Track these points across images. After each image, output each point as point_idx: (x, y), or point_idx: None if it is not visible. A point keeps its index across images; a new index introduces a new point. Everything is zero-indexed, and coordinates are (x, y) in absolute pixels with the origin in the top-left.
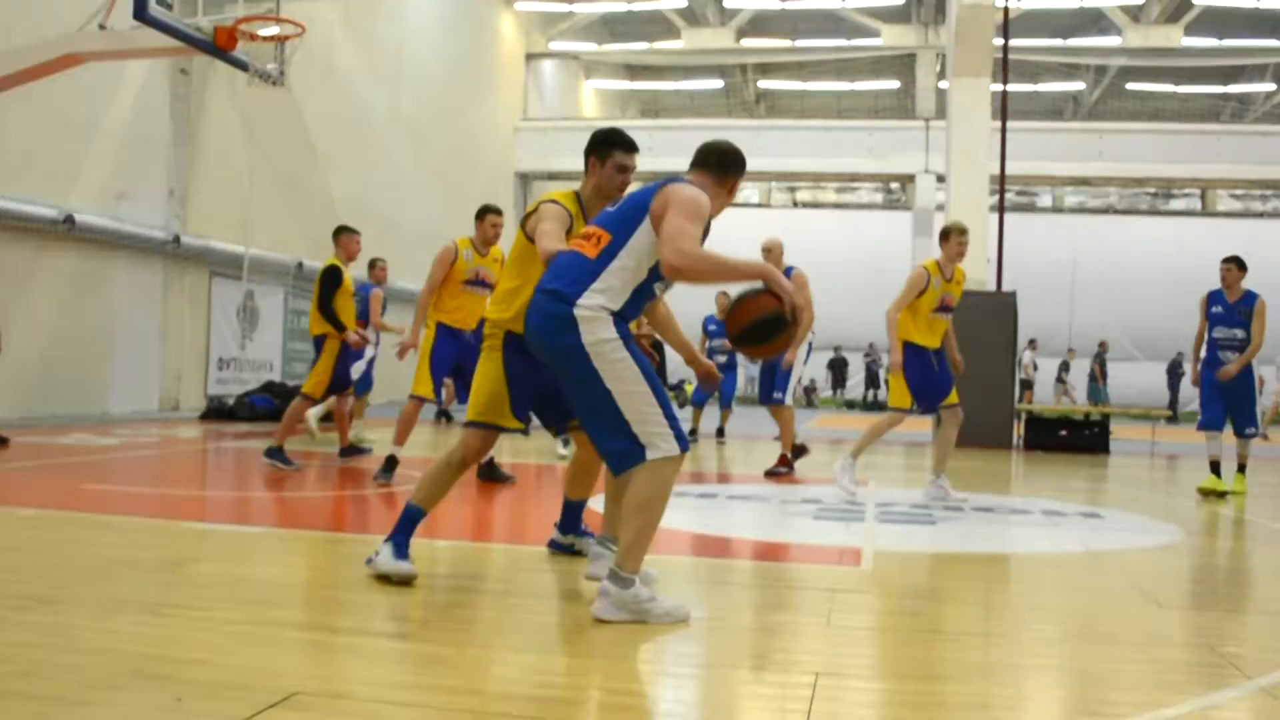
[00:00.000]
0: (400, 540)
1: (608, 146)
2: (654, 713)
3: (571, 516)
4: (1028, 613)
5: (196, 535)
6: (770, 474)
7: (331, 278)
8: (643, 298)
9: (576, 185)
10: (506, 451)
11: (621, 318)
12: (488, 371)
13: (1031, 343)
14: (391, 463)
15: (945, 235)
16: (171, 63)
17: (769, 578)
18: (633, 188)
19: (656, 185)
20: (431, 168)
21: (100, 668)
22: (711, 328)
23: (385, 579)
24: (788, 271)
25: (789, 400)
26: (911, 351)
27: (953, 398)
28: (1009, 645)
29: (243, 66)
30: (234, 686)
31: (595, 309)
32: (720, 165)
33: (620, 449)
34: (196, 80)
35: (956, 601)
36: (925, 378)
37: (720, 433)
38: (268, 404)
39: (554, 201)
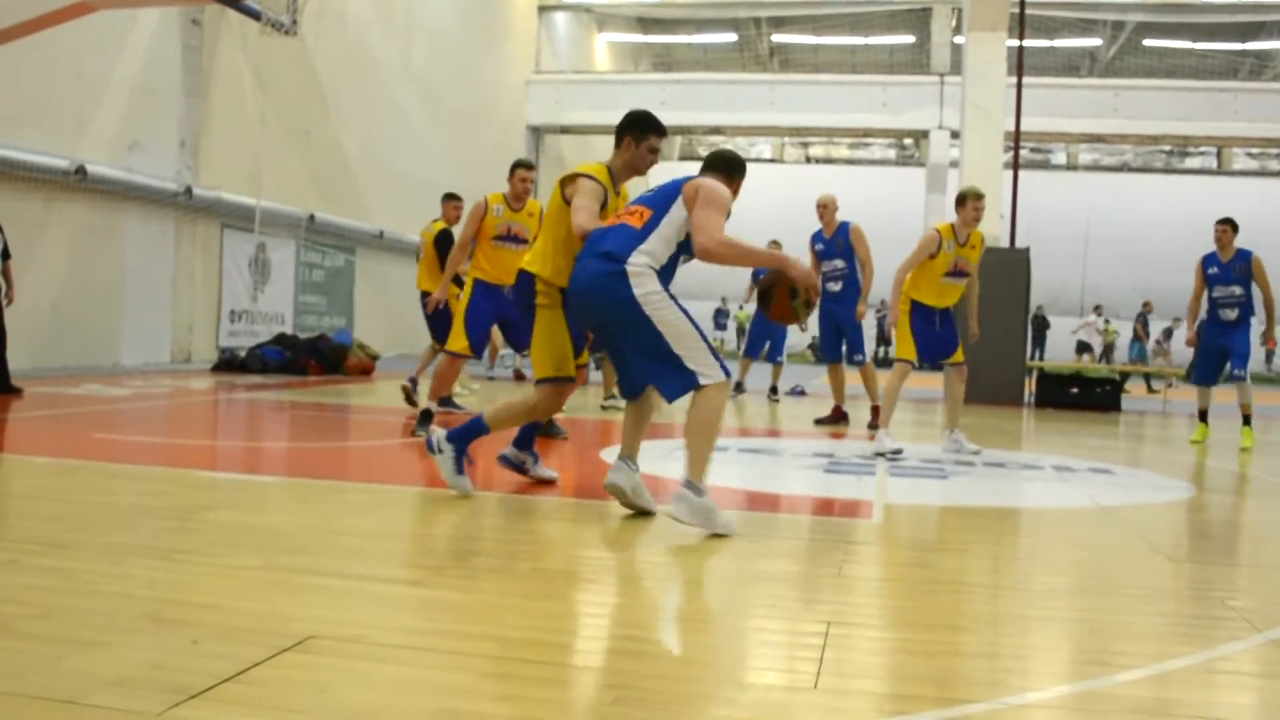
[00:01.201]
0: (460, 446)
1: (644, 129)
2: (667, 659)
3: (527, 437)
4: (1037, 565)
5: (208, 484)
6: (870, 427)
7: (448, 240)
8: (675, 264)
9: (605, 159)
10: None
11: (661, 276)
12: (554, 330)
13: (1097, 309)
14: (427, 416)
15: (961, 200)
16: (183, 12)
17: (781, 529)
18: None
19: (686, 177)
20: (443, 120)
21: (115, 611)
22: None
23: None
24: (843, 227)
25: (867, 358)
26: (917, 310)
27: (958, 356)
28: (1018, 597)
29: (255, 16)
30: (248, 630)
31: (642, 266)
32: (727, 169)
33: (675, 379)
34: (208, 30)
35: (966, 554)
36: (926, 335)
37: (773, 390)
38: (279, 356)
39: (591, 177)
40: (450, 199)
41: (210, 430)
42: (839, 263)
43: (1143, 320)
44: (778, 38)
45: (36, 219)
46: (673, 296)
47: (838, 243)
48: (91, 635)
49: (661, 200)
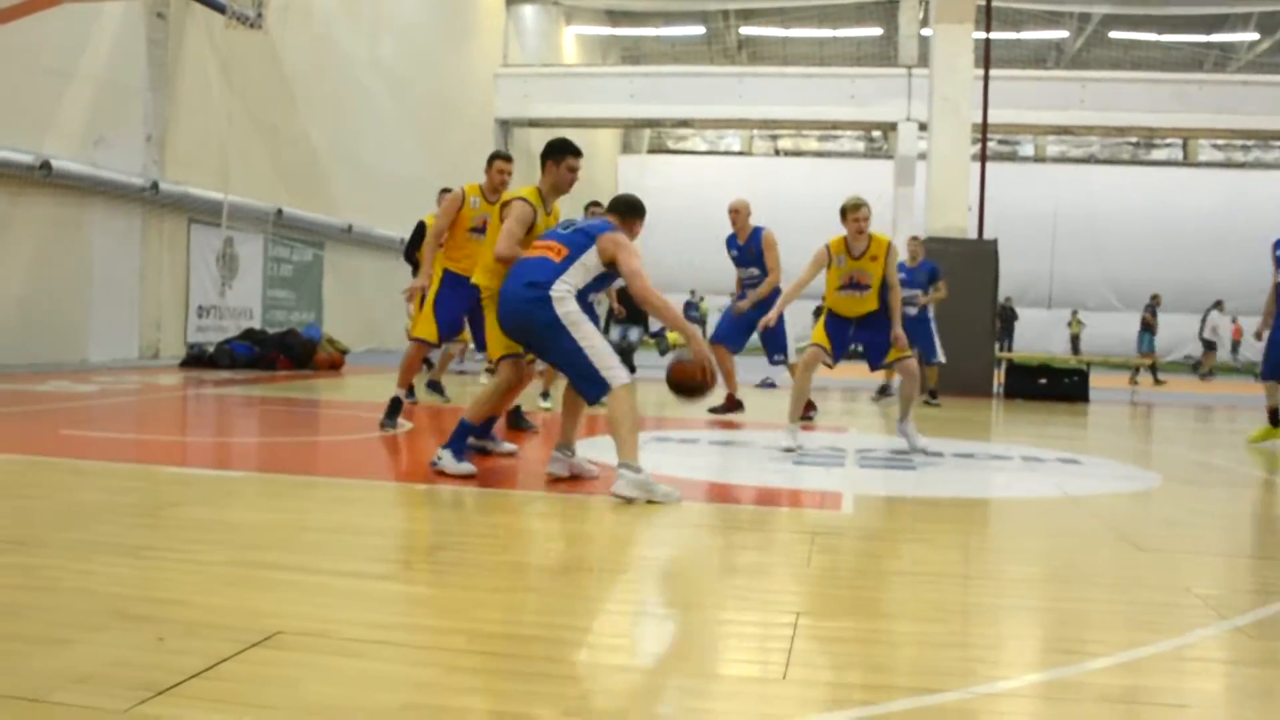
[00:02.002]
0: (457, 446)
1: (562, 154)
2: (637, 652)
3: (485, 425)
4: (1006, 555)
5: (177, 480)
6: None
7: (424, 232)
8: (588, 294)
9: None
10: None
11: (578, 299)
12: (494, 321)
13: (1218, 304)
14: (396, 405)
15: (841, 215)
16: (147, 5)
17: (750, 521)
18: (616, 136)
19: (597, 226)
20: (411, 114)
21: (81, 608)
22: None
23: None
24: (756, 232)
25: (792, 357)
26: (830, 315)
27: (894, 354)
28: (988, 586)
29: (220, 9)
30: (216, 626)
31: (564, 292)
32: (628, 211)
33: (593, 386)
34: (174, 23)
35: (936, 544)
36: (840, 337)
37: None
38: (248, 351)
39: (525, 200)
40: None
41: (179, 426)
42: (754, 270)
43: (1152, 311)
44: (746, 30)
45: (1, 215)
46: (588, 315)
47: (750, 249)
48: (56, 633)
49: (576, 243)
